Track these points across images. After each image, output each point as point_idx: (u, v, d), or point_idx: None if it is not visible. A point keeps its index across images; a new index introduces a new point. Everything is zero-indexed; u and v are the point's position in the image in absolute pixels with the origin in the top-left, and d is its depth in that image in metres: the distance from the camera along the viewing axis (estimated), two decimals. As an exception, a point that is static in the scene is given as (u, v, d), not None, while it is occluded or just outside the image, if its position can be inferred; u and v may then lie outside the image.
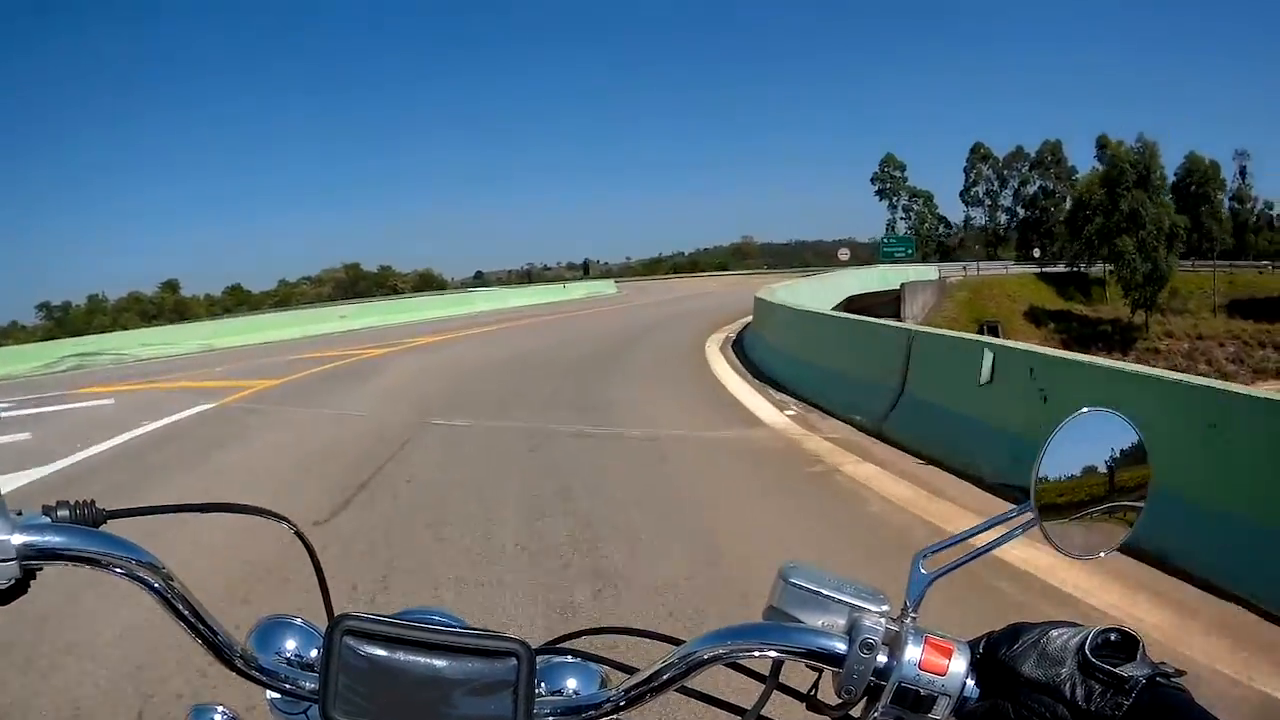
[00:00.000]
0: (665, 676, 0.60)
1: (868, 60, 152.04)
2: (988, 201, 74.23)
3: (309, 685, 0.62)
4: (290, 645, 0.71)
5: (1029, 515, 0.60)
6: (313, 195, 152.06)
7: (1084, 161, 63.32)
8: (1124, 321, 48.52)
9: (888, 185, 73.92)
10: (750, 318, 14.32)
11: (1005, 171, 72.79)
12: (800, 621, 0.60)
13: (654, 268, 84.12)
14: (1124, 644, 0.53)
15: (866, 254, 61.44)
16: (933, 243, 71.96)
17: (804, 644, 0.59)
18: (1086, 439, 0.60)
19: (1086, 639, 0.53)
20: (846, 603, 0.60)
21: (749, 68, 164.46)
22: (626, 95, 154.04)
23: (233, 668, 0.62)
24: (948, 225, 74.40)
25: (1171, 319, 48.52)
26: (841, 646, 0.58)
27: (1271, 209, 65.29)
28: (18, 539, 0.58)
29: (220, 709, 0.74)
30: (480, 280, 77.13)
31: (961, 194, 76.18)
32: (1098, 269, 54.56)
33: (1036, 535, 0.60)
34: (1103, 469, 0.60)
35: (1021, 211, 71.88)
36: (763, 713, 0.64)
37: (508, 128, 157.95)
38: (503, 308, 29.14)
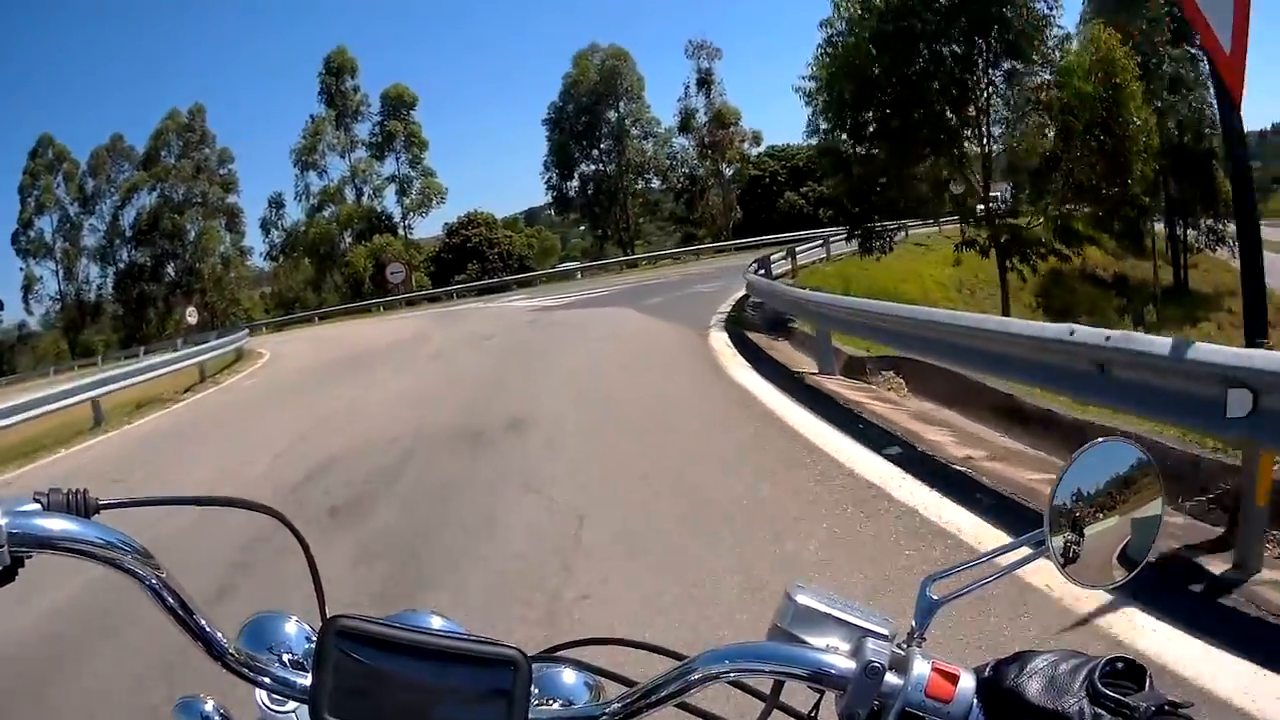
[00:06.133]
0: (663, 692, 0.59)
1: None
2: (64, 243, 40.32)
3: (299, 684, 0.61)
4: (282, 642, 0.70)
5: (1040, 543, 0.60)
6: None
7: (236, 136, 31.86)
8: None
9: None
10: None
11: (96, 181, 40.39)
12: (805, 642, 0.59)
13: None
14: (1131, 673, 0.53)
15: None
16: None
17: (809, 665, 0.57)
18: (1099, 470, 0.61)
19: (1095, 668, 0.53)
20: (853, 625, 0.59)
21: None
22: None
23: (223, 663, 0.61)
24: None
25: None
26: (847, 668, 0.57)
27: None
28: (8, 525, 0.58)
29: (208, 702, 0.72)
30: None
31: (15, 237, 40.78)
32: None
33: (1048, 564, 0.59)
34: (1115, 498, 0.61)
35: (136, 255, 39.35)
36: None
37: None
38: None
